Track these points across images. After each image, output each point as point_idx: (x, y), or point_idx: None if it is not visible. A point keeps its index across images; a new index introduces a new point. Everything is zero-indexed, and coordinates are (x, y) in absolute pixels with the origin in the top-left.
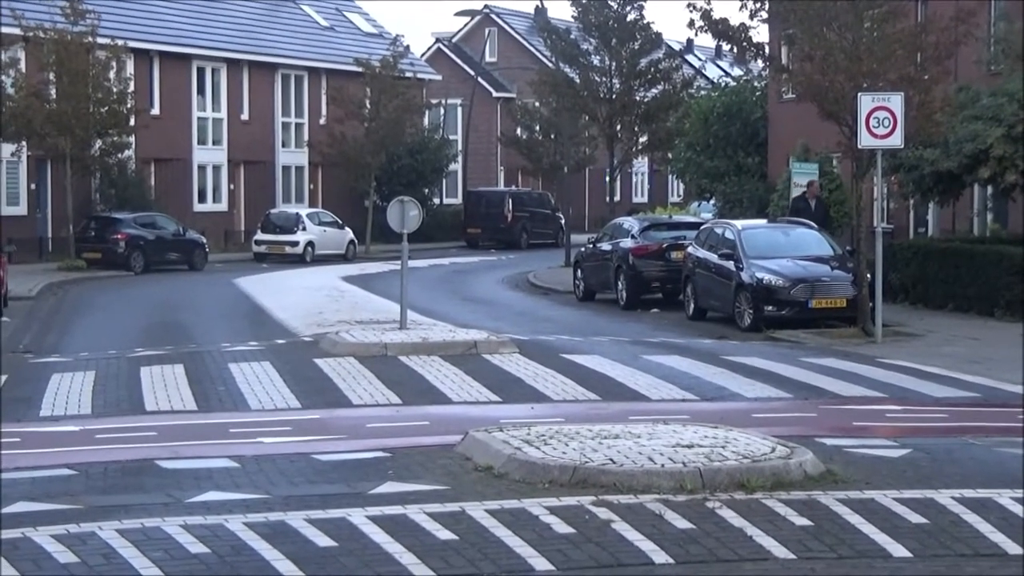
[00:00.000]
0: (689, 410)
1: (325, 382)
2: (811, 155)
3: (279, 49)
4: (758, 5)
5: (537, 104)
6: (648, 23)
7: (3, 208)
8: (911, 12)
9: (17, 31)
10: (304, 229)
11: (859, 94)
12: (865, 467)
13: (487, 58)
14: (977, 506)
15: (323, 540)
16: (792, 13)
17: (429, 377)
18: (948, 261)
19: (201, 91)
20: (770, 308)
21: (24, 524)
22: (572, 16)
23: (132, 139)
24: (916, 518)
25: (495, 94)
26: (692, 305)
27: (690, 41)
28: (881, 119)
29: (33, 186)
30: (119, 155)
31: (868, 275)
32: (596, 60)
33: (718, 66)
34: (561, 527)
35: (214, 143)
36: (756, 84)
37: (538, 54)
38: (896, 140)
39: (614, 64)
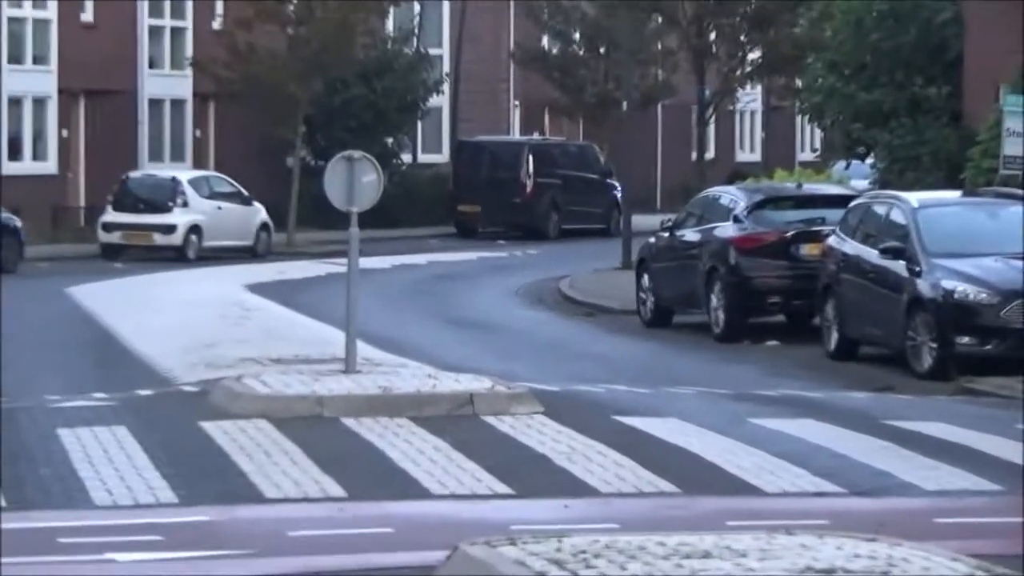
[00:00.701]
0: (829, 510)
1: (218, 461)
2: None
3: None
4: None
5: None
6: None
7: None
8: None
9: None
10: (185, 205)
11: None
12: None
13: None
14: None
15: None
16: None
17: (393, 454)
18: None
19: None
20: (967, 340)
21: None
22: None
23: None
24: None
25: None
26: (835, 335)
27: None
28: None
29: None
30: None
31: None
32: None
33: None
34: None
35: (35, 62)
36: None
37: None
38: None
39: None
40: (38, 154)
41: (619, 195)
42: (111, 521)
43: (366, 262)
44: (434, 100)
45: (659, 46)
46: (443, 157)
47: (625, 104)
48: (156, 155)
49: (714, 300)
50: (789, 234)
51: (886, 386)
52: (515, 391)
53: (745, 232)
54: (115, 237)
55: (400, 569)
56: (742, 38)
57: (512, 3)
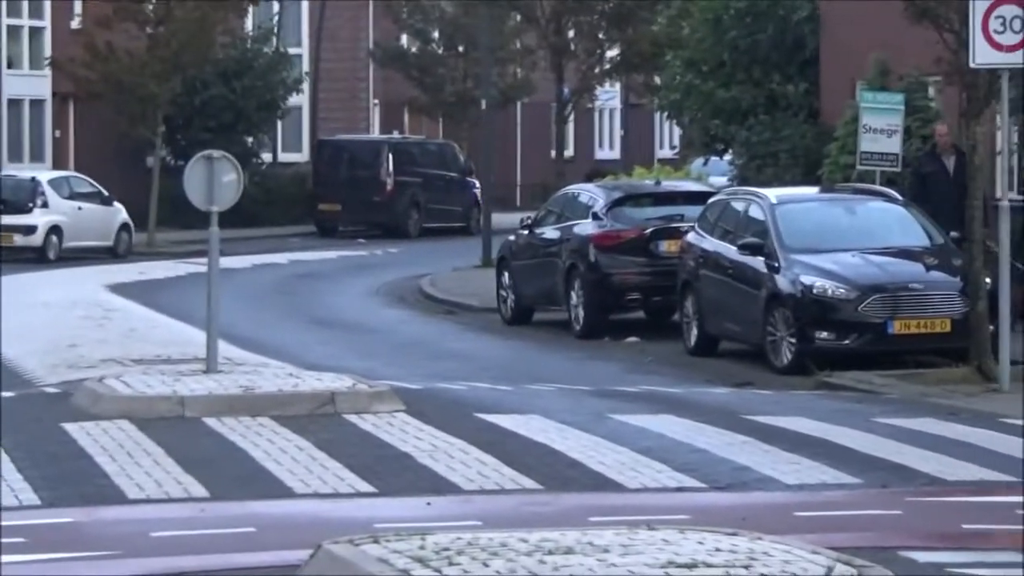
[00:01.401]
0: (690, 505)
1: (81, 462)
2: (892, 80)
3: None
4: None
5: None
6: None
7: None
8: None
9: None
10: (45, 206)
11: None
12: None
13: None
14: None
15: None
16: None
17: (255, 453)
18: None
19: None
20: (824, 335)
21: None
22: None
23: None
24: None
25: None
26: (695, 331)
27: None
28: (1008, 19)
29: None
30: None
31: (988, 279)
32: None
33: None
34: None
35: None
36: None
37: None
38: None
39: None
40: None
41: (479, 193)
42: None
43: (227, 261)
44: (294, 99)
45: (518, 44)
46: (303, 156)
47: (484, 102)
48: (15, 155)
49: (574, 297)
50: (648, 231)
51: (746, 381)
52: (377, 389)
53: (604, 229)
54: None
55: (264, 568)
56: (600, 36)
57: (371, 2)
